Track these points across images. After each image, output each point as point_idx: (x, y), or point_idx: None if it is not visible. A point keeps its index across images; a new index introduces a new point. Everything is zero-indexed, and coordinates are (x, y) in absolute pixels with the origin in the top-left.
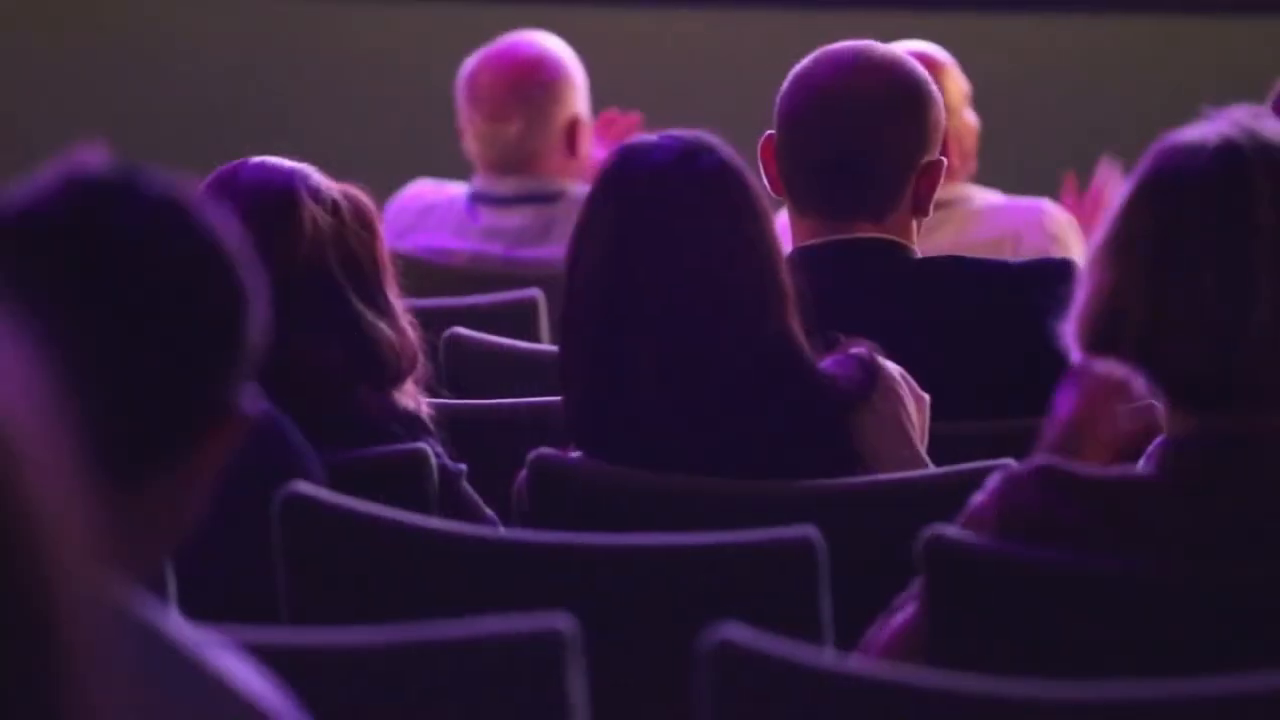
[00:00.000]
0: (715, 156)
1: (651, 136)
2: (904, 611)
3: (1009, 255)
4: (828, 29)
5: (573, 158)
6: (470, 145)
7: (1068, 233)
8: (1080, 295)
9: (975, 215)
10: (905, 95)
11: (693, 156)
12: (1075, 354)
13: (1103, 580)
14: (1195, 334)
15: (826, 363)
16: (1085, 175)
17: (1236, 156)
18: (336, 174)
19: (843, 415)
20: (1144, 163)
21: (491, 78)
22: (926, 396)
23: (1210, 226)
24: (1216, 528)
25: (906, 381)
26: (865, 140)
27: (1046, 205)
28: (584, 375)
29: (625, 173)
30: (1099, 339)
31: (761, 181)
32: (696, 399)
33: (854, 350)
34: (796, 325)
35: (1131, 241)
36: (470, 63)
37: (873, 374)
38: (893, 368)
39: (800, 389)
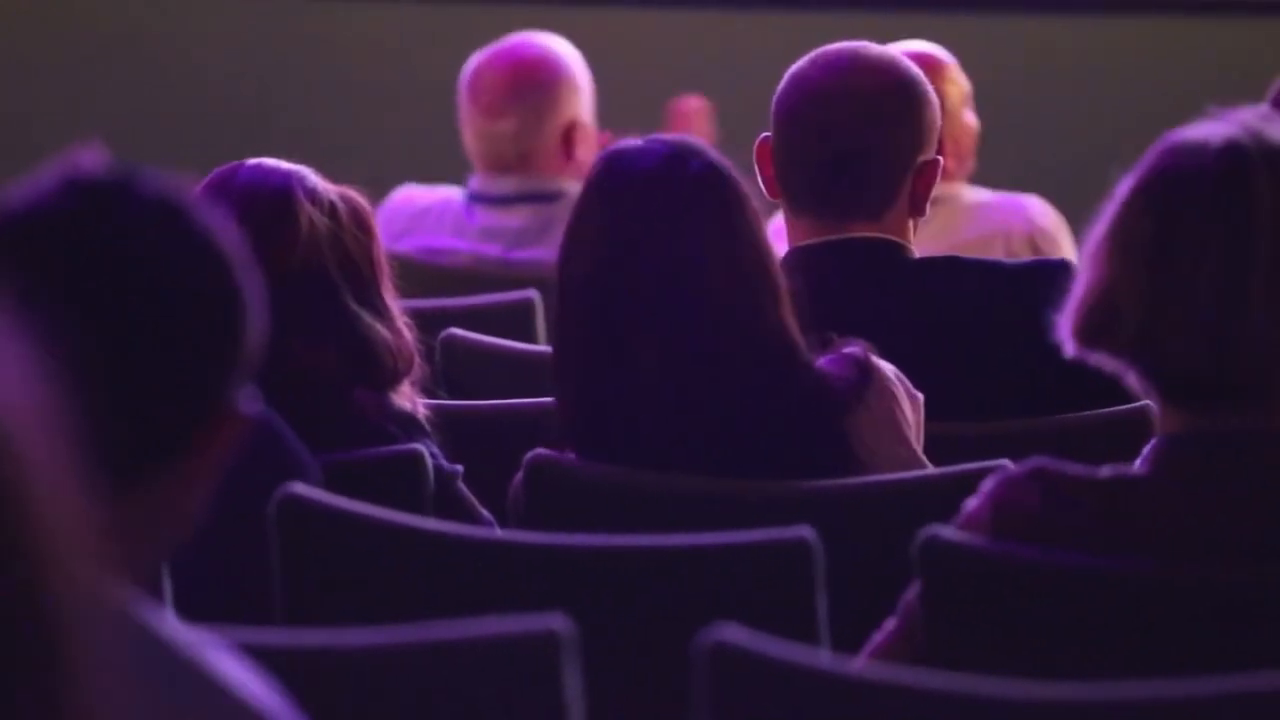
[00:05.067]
0: (702, 159)
1: (637, 140)
2: (884, 629)
3: (999, 253)
4: (829, 30)
5: (569, 161)
6: (469, 143)
7: (1057, 229)
8: (1076, 289)
9: (964, 212)
10: (900, 95)
11: (680, 158)
12: (1069, 348)
13: (1098, 580)
14: (1192, 333)
15: (821, 362)
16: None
17: (1239, 157)
18: (333, 175)
19: (839, 414)
20: (1146, 159)
21: (491, 75)
22: (920, 396)
23: (1210, 227)
24: (1211, 526)
25: (901, 381)
26: (861, 140)
27: (1034, 201)
28: (578, 376)
29: (614, 175)
30: (1093, 333)
31: (753, 184)
32: (691, 398)
33: (848, 350)
34: (791, 322)
35: (1130, 238)
36: (473, 60)
37: (867, 373)
38: (887, 367)
39: (797, 386)
